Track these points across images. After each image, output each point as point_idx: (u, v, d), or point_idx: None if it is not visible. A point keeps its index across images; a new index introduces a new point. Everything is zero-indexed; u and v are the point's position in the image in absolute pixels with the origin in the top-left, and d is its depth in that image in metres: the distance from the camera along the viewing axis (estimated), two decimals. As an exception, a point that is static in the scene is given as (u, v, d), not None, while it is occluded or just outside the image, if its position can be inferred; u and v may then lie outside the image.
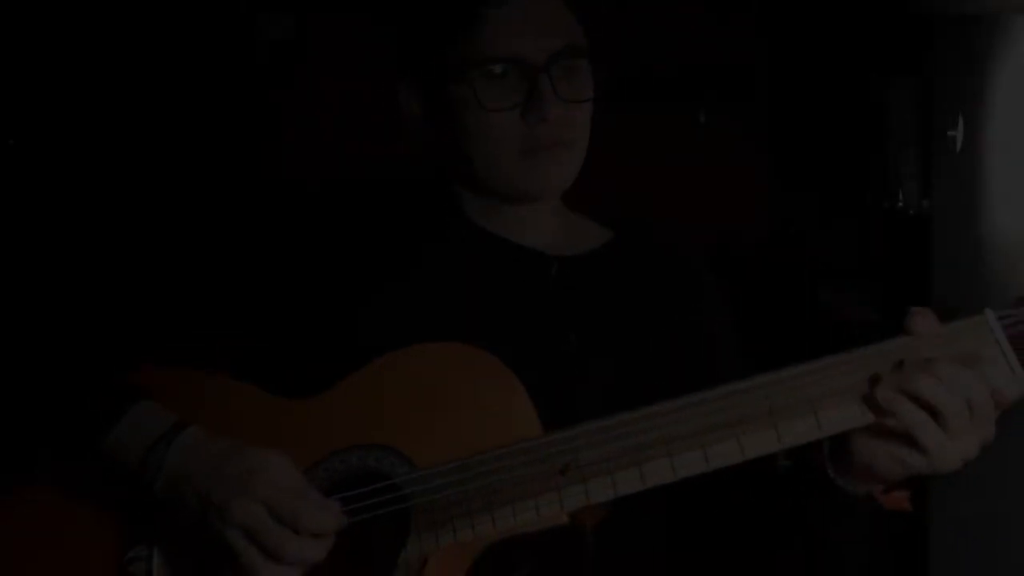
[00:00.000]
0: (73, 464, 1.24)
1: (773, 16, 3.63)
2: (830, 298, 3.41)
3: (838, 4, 3.25)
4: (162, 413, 1.20)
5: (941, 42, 2.63)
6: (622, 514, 1.22)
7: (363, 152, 3.26)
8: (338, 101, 3.47)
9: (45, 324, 1.29)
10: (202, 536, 1.15)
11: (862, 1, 3.04)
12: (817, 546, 1.27)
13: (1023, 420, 1.24)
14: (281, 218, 1.39)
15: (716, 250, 1.47)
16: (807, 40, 3.50)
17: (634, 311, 1.38)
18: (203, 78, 3.59)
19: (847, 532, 1.24)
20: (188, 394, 1.25)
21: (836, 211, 3.40)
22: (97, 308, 1.30)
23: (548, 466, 1.18)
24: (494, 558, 1.18)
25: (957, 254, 2.56)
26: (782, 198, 3.74)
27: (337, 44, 3.54)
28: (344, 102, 3.46)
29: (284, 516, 1.12)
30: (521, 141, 1.33)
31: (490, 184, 1.36)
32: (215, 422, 1.21)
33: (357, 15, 3.29)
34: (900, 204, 2.83)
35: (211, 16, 3.64)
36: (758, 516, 1.32)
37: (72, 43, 3.39)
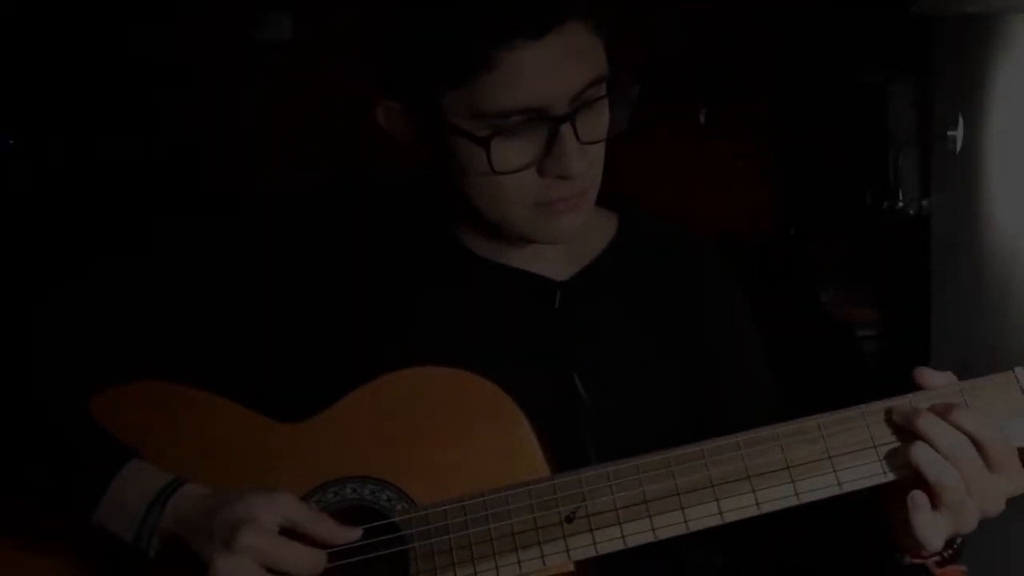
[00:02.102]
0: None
1: (774, 16, 3.64)
2: (830, 298, 3.41)
3: (839, 4, 3.25)
4: (148, 476, 1.12)
5: (941, 42, 2.62)
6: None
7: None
8: (331, 102, 3.47)
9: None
10: None
11: (862, 1, 3.03)
12: None
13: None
14: (267, 228, 1.29)
15: (716, 250, 1.47)
16: (808, 40, 3.50)
17: (643, 329, 1.29)
18: (194, 78, 3.59)
19: None
20: (175, 413, 1.20)
21: (836, 211, 3.40)
22: (78, 327, 1.23)
23: (553, 512, 1.12)
24: None
25: (957, 254, 2.55)
26: (782, 198, 3.74)
27: (334, 44, 3.54)
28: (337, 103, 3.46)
29: (281, 563, 1.07)
30: (536, 194, 1.16)
31: (498, 228, 1.22)
32: (200, 443, 1.17)
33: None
34: (900, 204, 2.82)
35: (210, 17, 3.65)
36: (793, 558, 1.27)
37: (70, 43, 3.39)
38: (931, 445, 1.09)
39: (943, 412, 1.11)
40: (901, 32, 2.80)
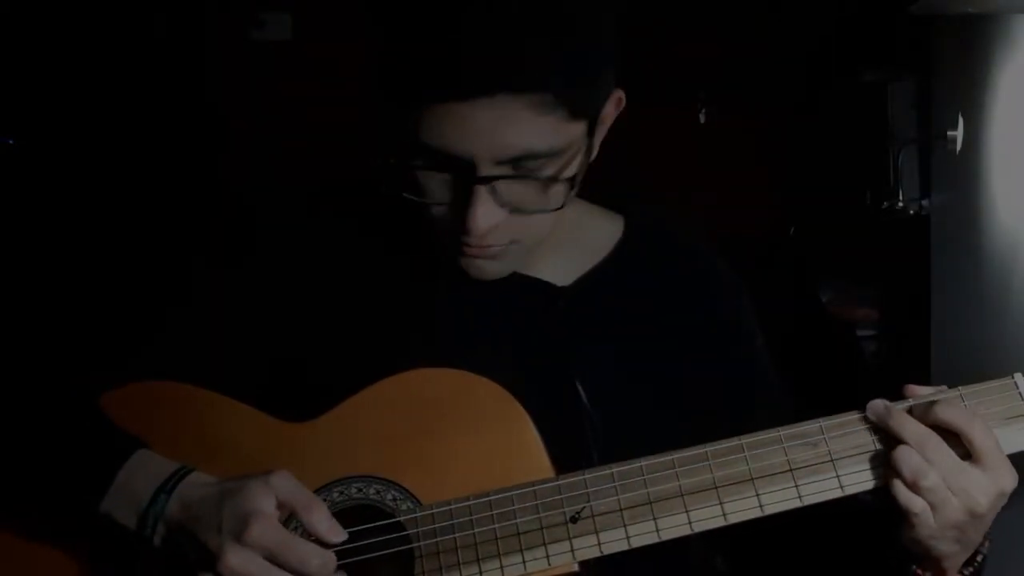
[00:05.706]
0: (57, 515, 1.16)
1: (774, 15, 3.63)
2: (830, 298, 3.40)
3: (839, 4, 3.25)
4: (156, 464, 1.13)
5: (941, 42, 2.62)
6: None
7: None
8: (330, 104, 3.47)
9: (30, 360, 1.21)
10: None
11: (862, 1, 3.04)
12: None
13: None
14: (276, 233, 1.28)
15: (716, 250, 1.48)
16: (808, 40, 3.50)
17: (648, 334, 1.29)
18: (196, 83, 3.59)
19: None
20: (180, 412, 1.20)
21: (836, 211, 3.40)
22: (75, 331, 1.24)
23: (558, 513, 1.13)
24: None
25: (957, 254, 2.55)
26: (782, 198, 3.74)
27: (334, 44, 3.54)
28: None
29: (286, 561, 1.06)
30: (449, 229, 1.16)
31: None
32: (206, 443, 1.17)
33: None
34: (900, 204, 2.83)
35: (208, 17, 3.65)
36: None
37: (70, 45, 3.39)
38: (902, 441, 1.10)
39: (925, 409, 1.12)
40: (901, 32, 2.80)
